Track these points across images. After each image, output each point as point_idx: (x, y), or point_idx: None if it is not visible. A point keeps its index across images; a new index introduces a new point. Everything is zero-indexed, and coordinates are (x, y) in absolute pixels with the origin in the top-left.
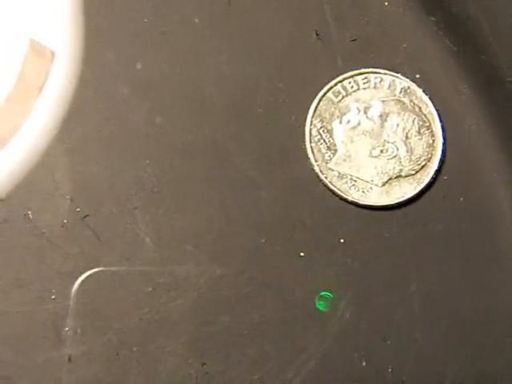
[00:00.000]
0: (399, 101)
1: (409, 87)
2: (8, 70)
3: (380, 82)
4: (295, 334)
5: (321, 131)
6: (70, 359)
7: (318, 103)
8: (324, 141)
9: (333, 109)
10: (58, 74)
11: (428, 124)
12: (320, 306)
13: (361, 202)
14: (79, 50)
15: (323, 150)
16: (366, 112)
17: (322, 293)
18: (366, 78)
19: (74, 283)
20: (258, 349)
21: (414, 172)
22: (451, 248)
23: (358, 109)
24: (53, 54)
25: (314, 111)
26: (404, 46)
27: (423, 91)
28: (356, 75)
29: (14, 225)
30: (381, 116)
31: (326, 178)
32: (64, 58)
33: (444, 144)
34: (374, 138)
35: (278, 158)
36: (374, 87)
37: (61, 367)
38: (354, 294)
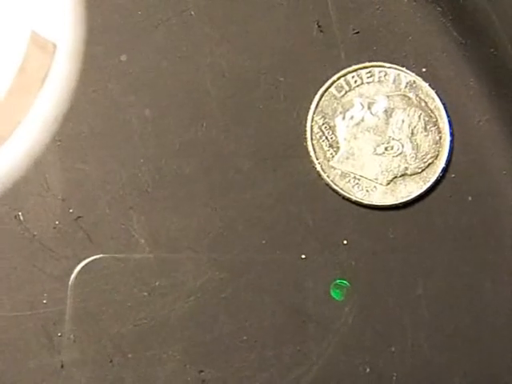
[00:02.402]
0: (405, 96)
1: (415, 81)
2: (9, 63)
3: (385, 76)
4: (297, 341)
5: (323, 128)
6: (62, 366)
7: (320, 99)
8: (326, 138)
9: (335, 104)
10: (59, 67)
11: (435, 120)
12: (335, 294)
13: (364, 202)
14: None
15: (325, 148)
16: (370, 108)
17: (338, 280)
18: (369, 71)
19: (66, 287)
20: (257, 356)
21: (420, 170)
22: (459, 249)
23: (362, 104)
24: (54, 46)
25: (316, 107)
26: (409, 38)
27: (430, 85)
28: (359, 69)
29: (4, 227)
30: (385, 112)
31: (328, 176)
32: (66, 51)
33: (451, 141)
34: (379, 134)
35: (278, 156)
36: (379, 81)
37: (53, 374)
38: (358, 298)
